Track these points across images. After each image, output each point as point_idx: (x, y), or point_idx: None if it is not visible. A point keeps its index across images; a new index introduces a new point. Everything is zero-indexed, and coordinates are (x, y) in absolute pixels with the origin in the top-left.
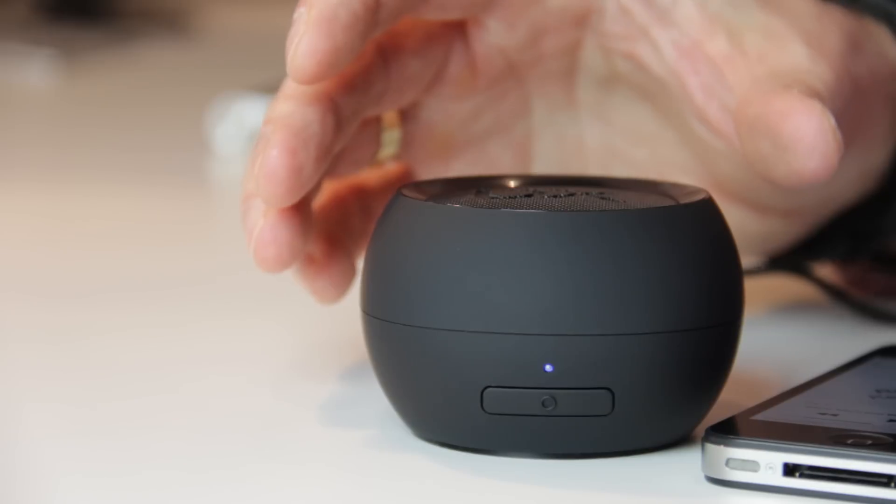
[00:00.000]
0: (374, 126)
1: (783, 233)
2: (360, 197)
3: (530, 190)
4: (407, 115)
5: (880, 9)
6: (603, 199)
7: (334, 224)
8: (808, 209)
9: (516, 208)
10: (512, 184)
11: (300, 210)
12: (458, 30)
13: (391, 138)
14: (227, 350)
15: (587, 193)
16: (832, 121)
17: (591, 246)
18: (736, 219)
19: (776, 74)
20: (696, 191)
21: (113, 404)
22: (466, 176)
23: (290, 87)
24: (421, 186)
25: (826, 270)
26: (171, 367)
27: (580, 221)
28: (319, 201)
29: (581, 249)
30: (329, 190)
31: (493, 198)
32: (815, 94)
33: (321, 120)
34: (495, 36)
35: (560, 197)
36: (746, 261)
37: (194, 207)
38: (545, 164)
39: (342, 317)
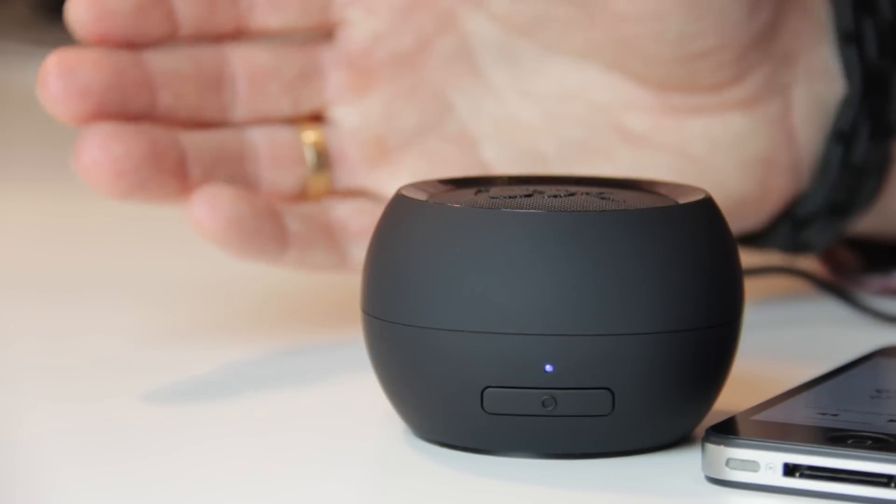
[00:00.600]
0: (287, 130)
1: (753, 138)
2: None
3: (530, 190)
4: (329, 134)
5: None
6: (603, 199)
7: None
8: (761, 94)
9: (516, 208)
10: (512, 184)
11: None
12: (325, 42)
13: (307, 139)
14: (226, 349)
15: (587, 193)
16: None
17: (591, 246)
18: (699, 131)
19: None
20: (696, 191)
21: (113, 404)
22: (466, 176)
23: None
24: (421, 186)
25: (824, 270)
26: (171, 366)
27: (580, 221)
28: None
29: (581, 249)
30: None
31: (493, 198)
32: None
33: None
34: (362, 28)
35: (560, 197)
36: (746, 259)
37: None
38: (493, 147)
39: (342, 317)
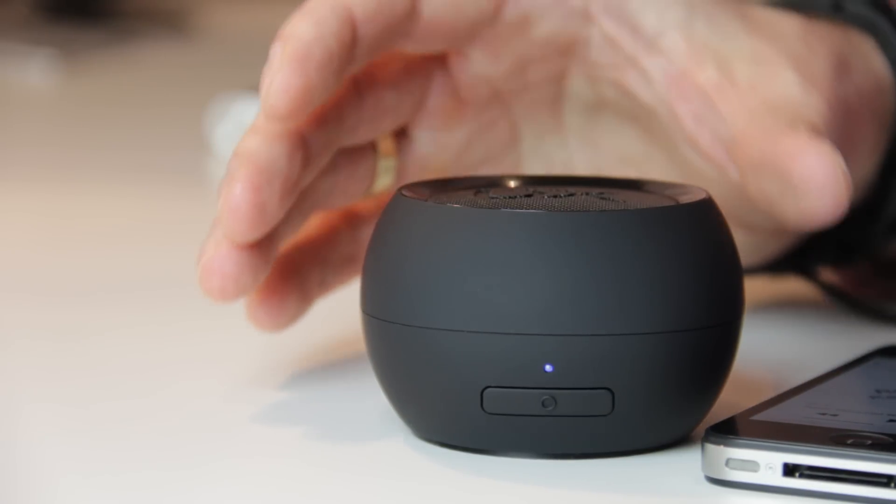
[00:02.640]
0: (369, 160)
1: (770, 246)
2: (351, 222)
3: (530, 190)
4: (401, 148)
5: (865, 20)
6: (603, 199)
7: (313, 250)
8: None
9: (516, 208)
10: (512, 184)
11: (257, 247)
12: (438, 61)
13: (387, 166)
14: (227, 349)
15: (587, 193)
16: (842, 162)
17: (591, 246)
18: None
19: (771, 107)
20: (696, 191)
21: (113, 404)
22: (466, 176)
23: (259, 121)
24: (421, 186)
25: (826, 271)
26: (171, 367)
27: (580, 221)
28: (309, 225)
29: (581, 249)
30: (320, 215)
31: (493, 198)
32: (816, 130)
33: (288, 156)
34: (479, 66)
35: (560, 197)
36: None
37: (194, 207)
38: None
39: (342, 317)
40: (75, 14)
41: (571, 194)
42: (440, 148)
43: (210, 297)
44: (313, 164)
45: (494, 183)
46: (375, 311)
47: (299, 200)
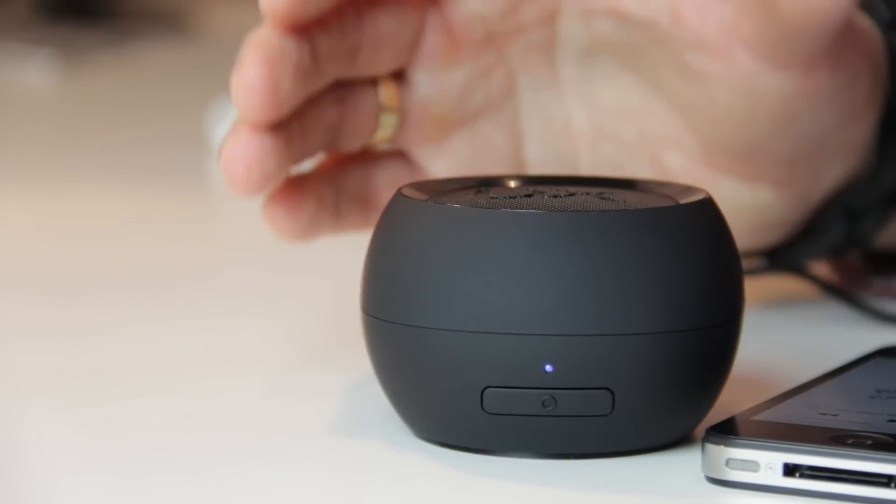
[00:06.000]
0: (371, 98)
1: (775, 208)
2: (363, 161)
3: (530, 190)
4: (402, 96)
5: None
6: (603, 199)
7: (328, 175)
8: (798, 179)
9: (516, 208)
10: (512, 184)
11: (276, 133)
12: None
13: (388, 121)
14: (227, 350)
15: (587, 193)
16: None
17: (591, 246)
18: (727, 193)
19: None
20: (696, 191)
21: (113, 404)
22: (466, 176)
23: (266, 20)
24: (421, 186)
25: (825, 270)
26: (171, 367)
27: (580, 221)
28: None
29: (581, 249)
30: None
31: (493, 198)
32: None
33: (297, 43)
34: (471, 4)
35: (560, 197)
36: (748, 262)
37: (194, 207)
38: (536, 145)
39: (342, 317)
40: (75, 14)
41: (571, 194)
42: (439, 91)
43: (234, 188)
44: (321, 69)
45: (494, 183)
46: (375, 311)
47: (310, 128)
